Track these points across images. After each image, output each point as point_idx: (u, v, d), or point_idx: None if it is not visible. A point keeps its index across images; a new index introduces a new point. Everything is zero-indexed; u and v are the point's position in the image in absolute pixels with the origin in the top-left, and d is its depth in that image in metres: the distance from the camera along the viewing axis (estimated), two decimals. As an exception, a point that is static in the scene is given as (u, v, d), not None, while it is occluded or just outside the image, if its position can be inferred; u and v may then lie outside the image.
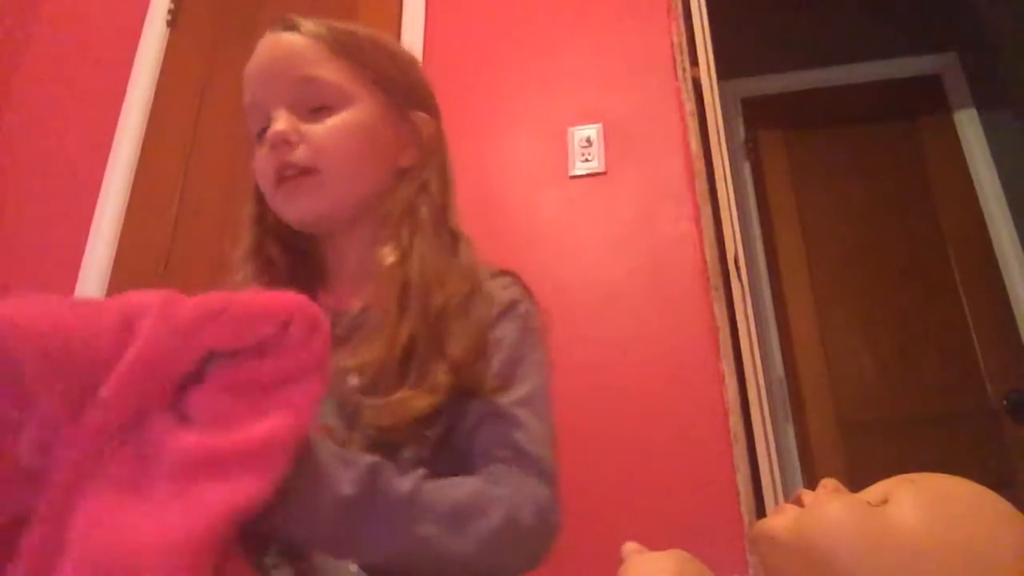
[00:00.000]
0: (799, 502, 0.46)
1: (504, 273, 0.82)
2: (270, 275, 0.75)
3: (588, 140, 1.68)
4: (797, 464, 2.31)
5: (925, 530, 0.41)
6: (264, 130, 0.72)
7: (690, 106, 1.66)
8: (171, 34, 2.11)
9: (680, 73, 1.69)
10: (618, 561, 0.50)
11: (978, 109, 2.62)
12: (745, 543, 1.27)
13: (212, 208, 1.86)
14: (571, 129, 1.70)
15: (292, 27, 0.76)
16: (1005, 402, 2.25)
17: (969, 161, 2.57)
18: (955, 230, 2.50)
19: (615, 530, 1.31)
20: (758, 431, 1.37)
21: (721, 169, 1.59)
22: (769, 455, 1.38)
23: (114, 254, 1.87)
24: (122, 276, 1.84)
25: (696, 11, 1.75)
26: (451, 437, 0.68)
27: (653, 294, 1.52)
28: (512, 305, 0.76)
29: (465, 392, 0.67)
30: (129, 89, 2.02)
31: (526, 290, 0.82)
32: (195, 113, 2.00)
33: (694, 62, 1.70)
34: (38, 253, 1.91)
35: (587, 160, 1.66)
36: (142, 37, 2.09)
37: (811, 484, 0.48)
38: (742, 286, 1.51)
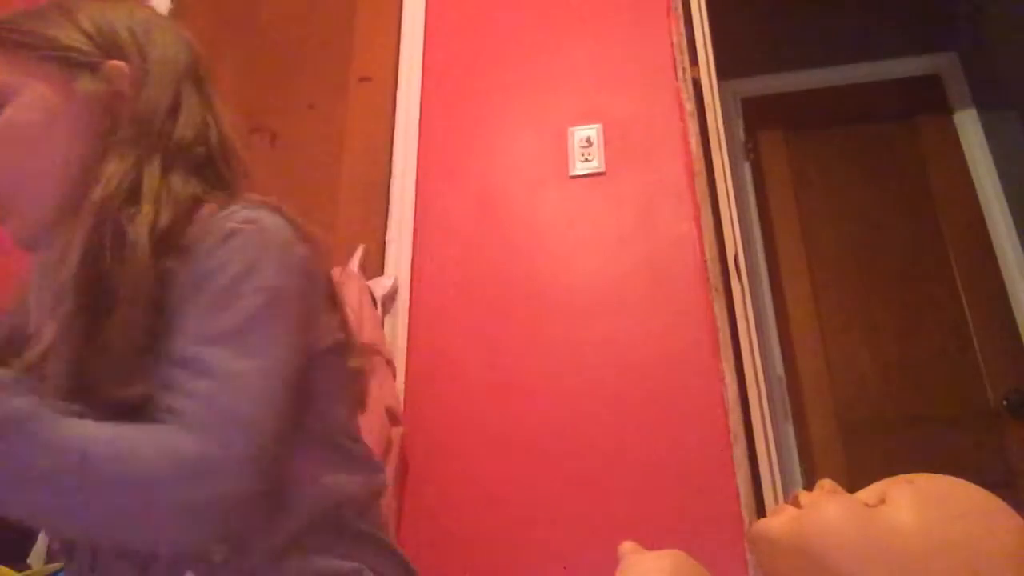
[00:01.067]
0: (796, 503, 0.46)
1: (252, 203, 0.68)
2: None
3: (588, 140, 1.68)
4: (797, 464, 2.31)
5: (922, 531, 0.41)
6: None
7: (690, 106, 1.66)
8: (171, 34, 2.11)
9: (680, 73, 1.69)
10: (616, 561, 0.50)
11: (978, 109, 2.62)
12: (745, 543, 1.27)
13: (212, 208, 1.87)
14: (571, 129, 1.70)
15: None
16: (1005, 402, 2.25)
17: (969, 161, 2.57)
18: (955, 230, 2.50)
19: (615, 530, 1.31)
20: (758, 431, 1.37)
21: (721, 169, 1.59)
22: (769, 455, 1.38)
23: (114, 254, 1.87)
24: (122, 276, 1.84)
25: (696, 11, 1.75)
26: None
27: (653, 294, 1.52)
28: (229, 235, 0.63)
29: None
30: (129, 89, 2.02)
31: (273, 214, 0.67)
32: (195, 113, 2.00)
33: (694, 62, 1.70)
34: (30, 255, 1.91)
35: (587, 160, 1.66)
36: (142, 37, 2.09)
37: (811, 484, 0.48)
38: (742, 286, 1.51)
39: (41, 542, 1.44)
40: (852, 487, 0.47)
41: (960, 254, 2.46)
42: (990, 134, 2.57)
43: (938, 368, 2.34)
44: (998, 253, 2.44)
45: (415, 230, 1.67)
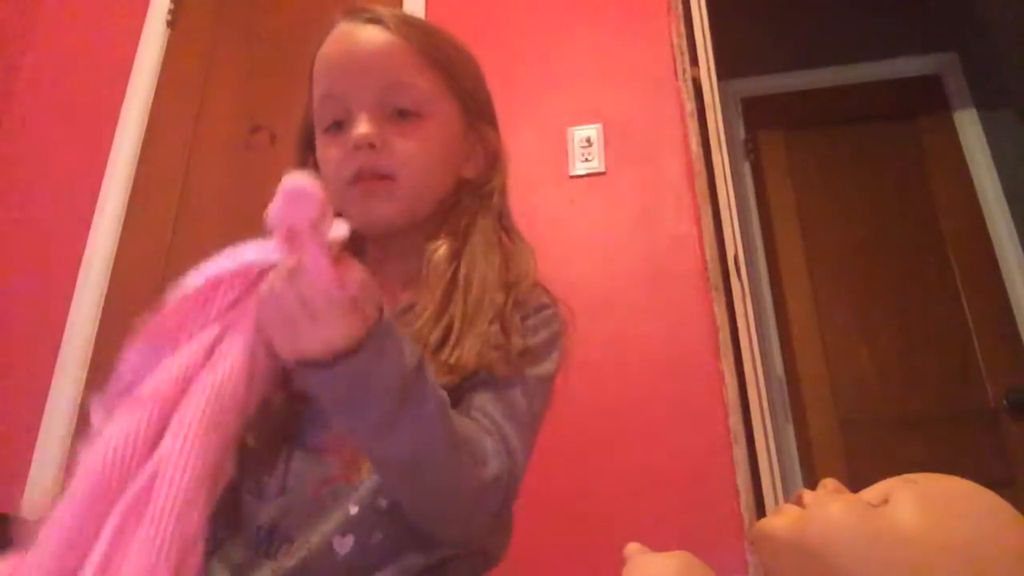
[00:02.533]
0: (799, 502, 0.46)
1: (539, 285, 0.81)
2: None
3: (588, 140, 1.68)
4: (797, 464, 2.31)
5: (925, 531, 0.41)
6: (339, 122, 0.72)
7: (690, 106, 1.66)
8: (171, 34, 2.11)
9: (680, 73, 1.69)
10: (620, 561, 0.50)
11: (978, 109, 2.62)
12: (745, 543, 1.27)
13: (212, 208, 1.87)
14: (571, 129, 1.70)
15: (378, 21, 0.74)
16: (1005, 402, 2.25)
17: (969, 161, 2.57)
18: (955, 230, 2.50)
19: (615, 530, 1.31)
20: (758, 431, 1.37)
21: (721, 169, 1.59)
22: (769, 455, 1.38)
23: (114, 254, 1.87)
24: (122, 275, 1.84)
25: (696, 11, 1.75)
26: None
27: (653, 294, 1.52)
28: (541, 307, 0.75)
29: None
30: (129, 89, 2.02)
31: (555, 301, 0.81)
32: (195, 113, 2.00)
33: (694, 62, 1.71)
34: (38, 252, 1.91)
35: (587, 160, 1.66)
36: (142, 37, 2.09)
37: (811, 484, 0.48)
38: (742, 286, 1.51)
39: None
40: (852, 487, 0.47)
41: (960, 254, 2.46)
42: (990, 134, 2.57)
43: (938, 368, 2.34)
44: (998, 253, 2.44)
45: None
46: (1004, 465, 2.19)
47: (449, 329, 0.66)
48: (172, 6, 2.13)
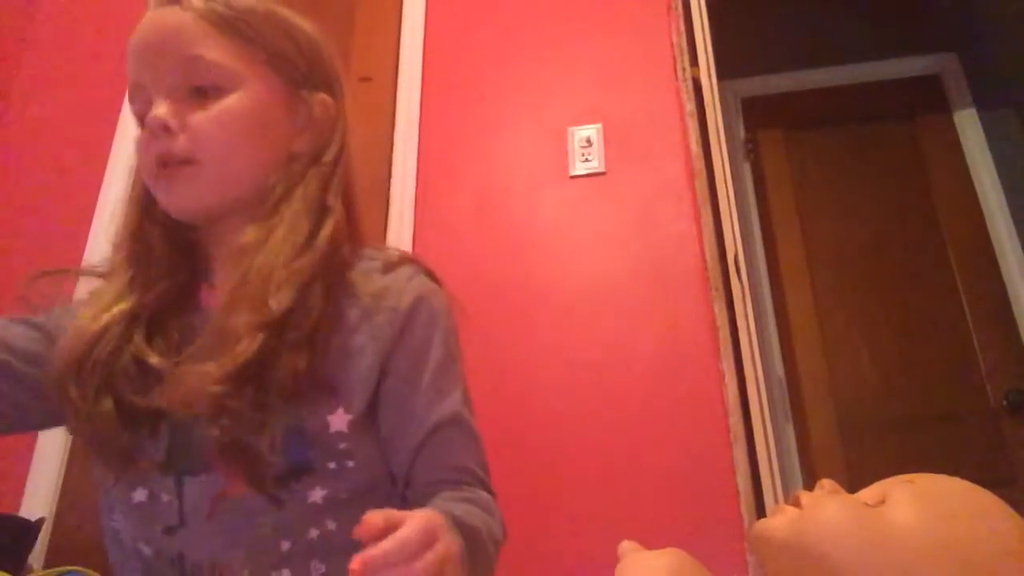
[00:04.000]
0: (797, 503, 0.46)
1: (404, 260, 0.75)
2: (148, 262, 0.70)
3: (588, 140, 1.68)
4: (797, 464, 2.31)
5: (922, 531, 0.41)
6: (144, 114, 0.68)
7: (690, 106, 1.66)
8: (171, 34, 2.10)
9: (680, 73, 1.69)
10: (617, 560, 0.50)
11: (978, 109, 2.62)
12: (745, 543, 1.27)
13: (212, 208, 1.87)
14: (571, 129, 1.70)
15: (174, 1, 0.70)
16: (1005, 402, 2.25)
17: (969, 161, 2.57)
18: (955, 230, 2.50)
19: (615, 530, 1.31)
20: (758, 431, 1.37)
21: (721, 169, 1.59)
22: (769, 455, 1.38)
23: (114, 254, 1.87)
24: (122, 276, 1.84)
25: (696, 11, 1.75)
26: (372, 446, 0.68)
27: (653, 294, 1.52)
28: (419, 302, 0.70)
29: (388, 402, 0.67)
30: (129, 89, 2.02)
31: (430, 276, 0.75)
32: (195, 113, 1.99)
33: (694, 62, 1.70)
34: (39, 252, 1.91)
35: (587, 160, 1.66)
36: (142, 37, 2.09)
37: (811, 484, 0.48)
38: (742, 286, 1.51)
39: (41, 543, 1.44)
40: (852, 487, 0.47)
41: (960, 254, 2.46)
42: (990, 134, 2.57)
43: (938, 368, 2.34)
44: (998, 253, 2.44)
45: (415, 230, 1.67)
46: (1004, 465, 2.18)
47: (233, 306, 0.63)
48: (172, 6, 2.13)
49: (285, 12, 0.75)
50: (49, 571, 1.21)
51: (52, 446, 1.68)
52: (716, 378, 1.41)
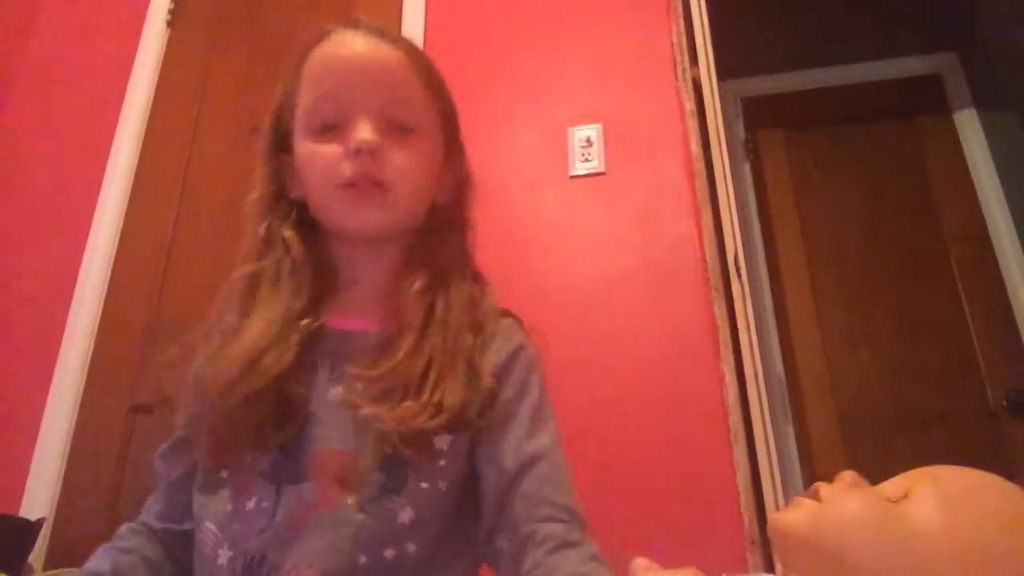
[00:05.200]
0: (816, 496, 0.45)
1: (506, 314, 0.82)
2: (290, 264, 0.73)
3: (588, 140, 1.68)
4: (797, 464, 2.31)
5: (948, 531, 0.39)
6: (331, 125, 0.71)
7: (690, 106, 1.66)
8: (171, 34, 2.11)
9: (680, 73, 1.69)
10: (622, 564, 0.49)
11: (978, 109, 2.62)
12: (745, 543, 1.27)
13: (212, 208, 1.87)
14: (571, 129, 1.70)
15: (382, 35, 0.75)
16: (1005, 402, 2.25)
17: (969, 161, 2.57)
18: (955, 230, 2.50)
19: (615, 530, 1.31)
20: (758, 431, 1.37)
21: (721, 169, 1.59)
22: (769, 455, 1.38)
23: (114, 253, 1.87)
24: (122, 275, 1.84)
25: (696, 11, 1.75)
26: (469, 480, 0.70)
27: (653, 294, 1.52)
28: (521, 348, 0.77)
29: (482, 432, 0.69)
30: (129, 89, 2.02)
31: (526, 333, 0.82)
32: (195, 113, 2.00)
33: (694, 62, 1.70)
34: (39, 252, 1.91)
35: (587, 160, 1.66)
36: (142, 37, 2.09)
37: (811, 484, 0.47)
38: (742, 286, 1.51)
39: (40, 543, 1.44)
40: None
41: (960, 254, 2.46)
42: (990, 134, 2.57)
43: (938, 368, 2.34)
44: (998, 253, 2.43)
45: None
46: (1004, 465, 2.18)
47: (428, 366, 0.67)
48: (172, 6, 2.13)
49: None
50: (49, 573, 1.21)
51: (52, 446, 1.68)
52: (716, 378, 1.41)
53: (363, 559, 0.63)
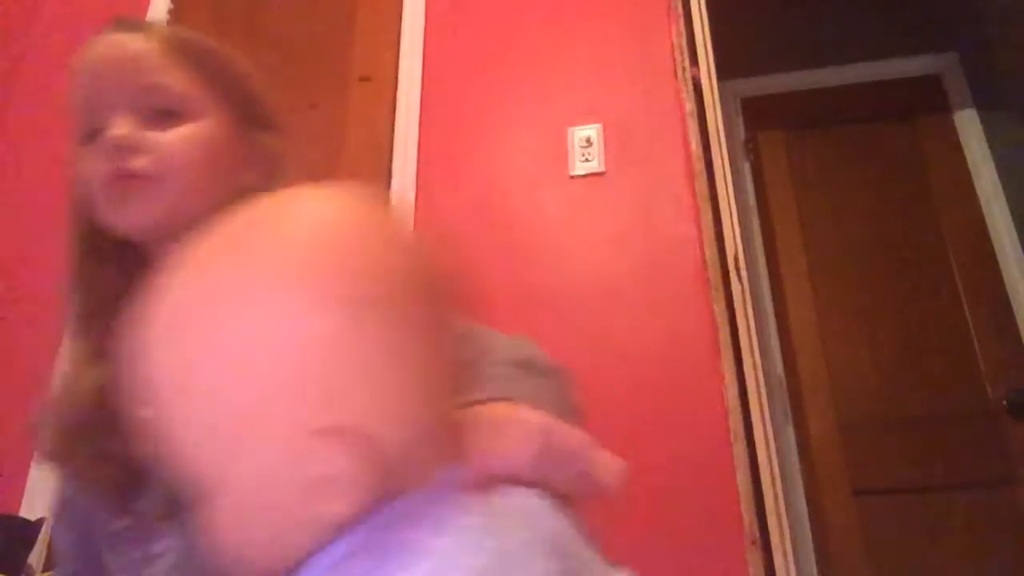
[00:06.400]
0: None
1: None
2: (97, 296, 0.70)
3: (588, 140, 1.68)
4: (797, 464, 2.31)
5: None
6: (95, 131, 0.68)
7: (690, 106, 1.66)
8: (171, 34, 2.11)
9: (680, 73, 1.69)
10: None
11: (978, 109, 2.62)
12: (745, 543, 1.27)
13: (212, 208, 1.87)
14: (571, 129, 1.70)
15: (136, 29, 0.72)
16: (1005, 402, 2.25)
17: (969, 161, 2.57)
18: (955, 230, 2.50)
19: (614, 530, 1.31)
20: (758, 431, 1.37)
21: (721, 169, 1.59)
22: (769, 455, 1.38)
23: (114, 254, 1.87)
24: (122, 276, 1.84)
25: (696, 11, 1.75)
26: None
27: (653, 294, 1.52)
28: None
29: None
30: (129, 89, 2.02)
31: None
32: (195, 113, 2.00)
33: (694, 62, 1.70)
34: (39, 252, 1.91)
35: (587, 160, 1.66)
36: (142, 37, 2.09)
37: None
38: (742, 286, 1.51)
39: (40, 544, 1.44)
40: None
41: (960, 254, 2.46)
42: (990, 134, 2.57)
43: (938, 368, 2.34)
44: (998, 253, 2.44)
45: (415, 230, 1.67)
46: (1004, 464, 2.19)
47: None
48: (172, 6, 2.13)
49: (240, 56, 0.80)
50: (50, 573, 1.21)
51: (52, 446, 1.68)
52: (716, 378, 1.41)
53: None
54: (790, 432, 2.36)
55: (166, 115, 0.69)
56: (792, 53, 2.79)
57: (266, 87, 0.81)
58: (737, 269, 1.51)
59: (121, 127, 0.67)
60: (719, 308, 1.46)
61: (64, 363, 0.72)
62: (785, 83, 2.81)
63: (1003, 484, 2.16)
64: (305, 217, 0.39)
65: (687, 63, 1.69)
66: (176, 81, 0.70)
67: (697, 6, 1.75)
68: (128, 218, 0.68)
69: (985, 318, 2.36)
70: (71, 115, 0.71)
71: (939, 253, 2.47)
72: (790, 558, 1.31)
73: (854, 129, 2.70)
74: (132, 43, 0.71)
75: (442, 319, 0.40)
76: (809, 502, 2.20)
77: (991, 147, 2.55)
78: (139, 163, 0.67)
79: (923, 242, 2.50)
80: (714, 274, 1.49)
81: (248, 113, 0.77)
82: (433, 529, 0.34)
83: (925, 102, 2.70)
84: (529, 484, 0.43)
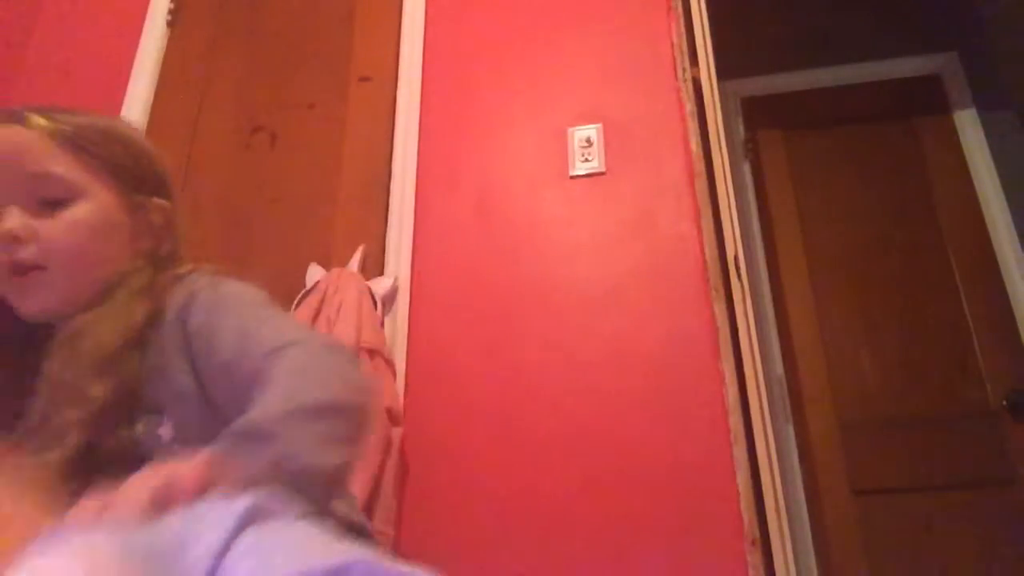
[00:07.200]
0: None
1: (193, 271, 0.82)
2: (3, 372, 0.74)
3: (588, 140, 1.68)
4: (797, 464, 2.31)
5: None
6: None
7: (690, 106, 1.66)
8: (171, 34, 2.11)
9: (680, 73, 1.69)
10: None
11: (978, 109, 2.62)
12: (745, 543, 1.27)
13: (212, 208, 1.86)
14: (571, 129, 1.70)
15: (18, 120, 0.75)
16: (1005, 402, 2.25)
17: (969, 161, 2.57)
18: (955, 230, 2.50)
19: (615, 529, 1.31)
20: (758, 431, 1.37)
21: (721, 169, 1.59)
22: (769, 455, 1.38)
23: (114, 254, 1.87)
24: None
25: (696, 11, 1.75)
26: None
27: (653, 294, 1.52)
28: (188, 299, 0.76)
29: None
30: (129, 88, 2.02)
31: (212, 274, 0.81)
32: (195, 113, 2.00)
33: (694, 62, 1.71)
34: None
35: (587, 160, 1.66)
36: (142, 37, 2.09)
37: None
38: (742, 286, 1.51)
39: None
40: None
41: (960, 254, 2.46)
42: (990, 134, 2.57)
43: (938, 368, 2.34)
44: (998, 253, 2.44)
45: (415, 230, 1.67)
46: (1004, 465, 2.19)
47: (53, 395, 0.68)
48: (172, 6, 2.13)
49: (121, 126, 0.84)
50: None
51: (52, 446, 1.68)
52: (716, 378, 1.41)
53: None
54: (790, 432, 2.36)
55: (53, 203, 0.74)
56: (792, 53, 2.79)
57: (150, 152, 0.85)
58: (737, 269, 1.51)
59: (9, 220, 0.72)
60: (719, 308, 1.46)
61: None
62: (785, 83, 2.81)
63: (1003, 484, 2.16)
64: None
65: (687, 63, 1.69)
66: (58, 166, 0.74)
67: (697, 6, 1.75)
68: (29, 306, 0.74)
69: (985, 318, 2.37)
70: None
71: (939, 253, 2.47)
72: (790, 558, 1.31)
73: (854, 129, 2.70)
74: (14, 135, 0.74)
75: None
76: (809, 502, 2.21)
77: (991, 147, 2.56)
78: (25, 253, 0.72)
79: (923, 242, 2.50)
80: (714, 274, 1.49)
81: (136, 182, 0.81)
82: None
83: (925, 102, 2.70)
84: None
